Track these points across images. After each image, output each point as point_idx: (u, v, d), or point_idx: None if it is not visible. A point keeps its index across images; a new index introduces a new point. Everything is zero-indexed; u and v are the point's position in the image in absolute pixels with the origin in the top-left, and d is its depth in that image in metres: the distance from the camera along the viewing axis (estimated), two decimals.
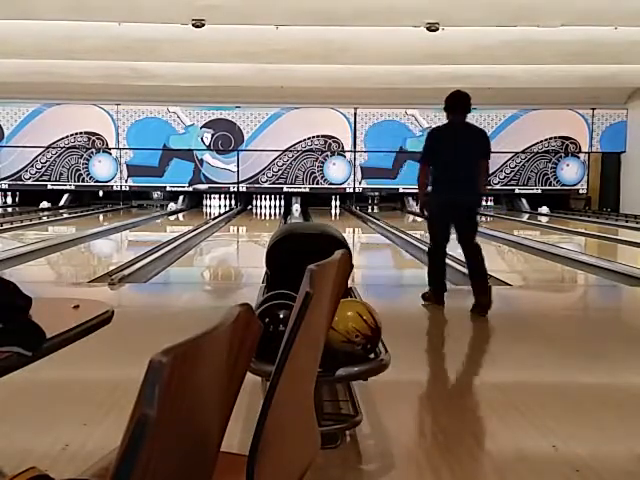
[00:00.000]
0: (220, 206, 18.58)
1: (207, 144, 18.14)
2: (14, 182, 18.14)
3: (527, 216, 17.43)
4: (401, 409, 3.13)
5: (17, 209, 17.36)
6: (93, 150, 18.12)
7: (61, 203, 18.41)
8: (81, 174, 18.23)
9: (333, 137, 18.16)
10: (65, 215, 16.24)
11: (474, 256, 5.24)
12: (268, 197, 18.74)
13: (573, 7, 9.01)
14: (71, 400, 3.20)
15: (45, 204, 17.85)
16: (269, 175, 18.24)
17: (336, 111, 17.98)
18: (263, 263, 3.63)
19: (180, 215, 17.28)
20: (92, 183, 18.36)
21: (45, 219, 15.20)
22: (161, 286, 7.27)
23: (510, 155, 18.18)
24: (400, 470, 2.54)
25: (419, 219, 16.71)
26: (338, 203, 18.99)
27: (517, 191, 18.66)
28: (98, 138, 18.03)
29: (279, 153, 18.15)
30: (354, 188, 18.48)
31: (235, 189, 18.38)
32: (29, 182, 18.14)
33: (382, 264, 9.75)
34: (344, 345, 2.56)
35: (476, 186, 5.35)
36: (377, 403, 3.11)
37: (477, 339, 4.75)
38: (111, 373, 3.58)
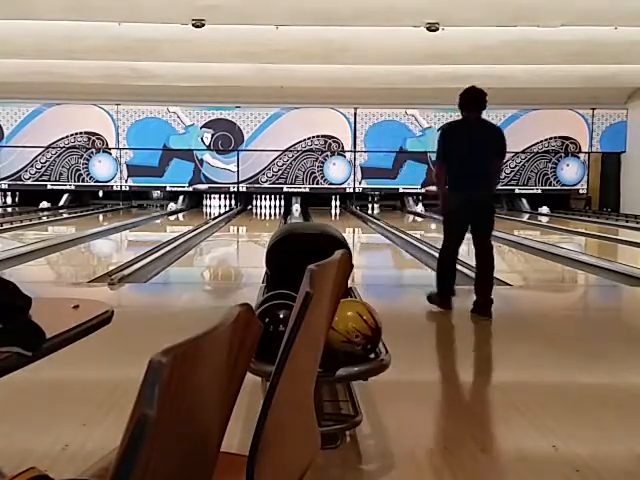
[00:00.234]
0: (220, 206, 18.58)
1: (207, 144, 18.14)
2: (14, 182, 18.13)
3: (527, 216, 17.44)
4: (401, 409, 3.13)
5: (17, 209, 17.36)
6: (93, 150, 18.12)
7: (61, 203, 18.41)
8: (81, 174, 18.23)
9: (333, 137, 18.16)
10: (65, 215, 16.25)
11: (485, 258, 5.12)
12: (268, 197, 18.74)
13: (573, 7, 9.01)
14: (71, 400, 3.20)
15: (45, 204, 17.85)
16: (269, 175, 18.24)
17: (336, 111, 17.97)
18: (263, 263, 3.63)
19: (180, 215, 17.29)
20: (92, 183, 18.36)
21: (45, 219, 15.20)
22: (161, 286, 7.27)
23: (510, 155, 18.17)
24: (400, 470, 2.54)
25: (419, 219, 16.82)
26: (338, 203, 19.00)
27: (517, 191, 18.66)
28: (98, 138, 18.03)
29: (279, 153, 18.15)
30: (354, 188, 18.48)
31: (235, 189, 18.38)
32: (29, 182, 18.14)
33: (382, 264, 9.75)
34: (344, 345, 2.56)
35: (491, 183, 5.25)
36: (377, 403, 3.11)
37: (477, 339, 4.75)
38: (111, 373, 3.58)
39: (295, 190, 18.37)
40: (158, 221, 15.77)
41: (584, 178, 18.59)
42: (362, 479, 2.53)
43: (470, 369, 4.15)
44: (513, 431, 2.91)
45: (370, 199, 19.25)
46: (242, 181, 18.24)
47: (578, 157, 18.52)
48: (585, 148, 18.38)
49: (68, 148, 18.04)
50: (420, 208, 18.13)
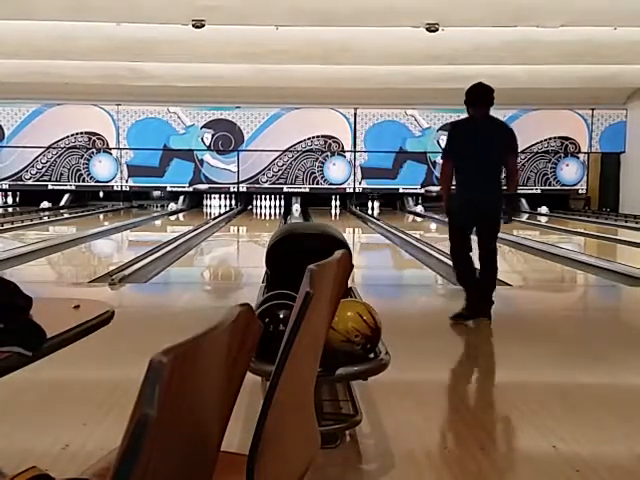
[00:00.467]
0: (220, 206, 18.58)
1: (207, 144, 18.13)
2: (15, 182, 18.14)
3: (527, 216, 17.43)
4: (401, 409, 3.13)
5: (18, 209, 17.37)
6: (93, 150, 18.11)
7: (61, 203, 18.42)
8: (81, 174, 18.23)
9: (333, 137, 18.15)
10: (65, 215, 16.25)
11: (486, 261, 4.94)
12: (268, 197, 18.74)
13: (573, 7, 9.00)
14: (71, 400, 3.20)
15: (46, 204, 17.86)
16: (269, 175, 18.24)
17: (336, 111, 17.97)
18: (263, 263, 3.63)
19: (180, 215, 17.29)
20: (92, 183, 18.36)
21: (46, 219, 15.21)
22: (161, 286, 7.27)
23: None
24: (400, 470, 2.54)
25: (419, 219, 16.80)
26: (338, 203, 19.00)
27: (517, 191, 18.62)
28: (98, 138, 18.02)
29: (279, 153, 18.15)
30: (354, 188, 18.48)
31: (235, 189, 18.37)
32: (30, 182, 18.13)
33: (382, 264, 9.75)
34: (344, 345, 2.57)
35: (497, 184, 4.98)
36: (377, 403, 3.11)
37: (477, 339, 4.75)
38: (111, 373, 3.58)
39: (295, 190, 18.37)
40: (158, 221, 15.77)
41: (583, 178, 18.59)
42: (362, 479, 2.53)
43: (470, 369, 4.16)
44: (513, 431, 2.91)
45: (370, 197, 19.21)
46: (242, 181, 18.24)
47: (578, 157, 18.51)
48: (585, 148, 18.37)
49: (68, 148, 18.04)
50: (420, 208, 18.13)
